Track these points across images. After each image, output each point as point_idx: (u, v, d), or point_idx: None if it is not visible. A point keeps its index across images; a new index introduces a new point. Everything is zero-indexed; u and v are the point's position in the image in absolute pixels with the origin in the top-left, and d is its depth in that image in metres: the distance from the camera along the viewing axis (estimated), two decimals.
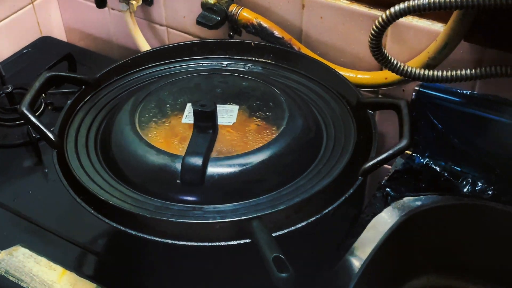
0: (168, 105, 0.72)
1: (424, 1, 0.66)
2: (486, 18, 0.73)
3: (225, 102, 0.73)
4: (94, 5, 1.05)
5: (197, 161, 0.62)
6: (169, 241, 0.58)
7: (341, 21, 0.85)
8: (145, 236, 0.59)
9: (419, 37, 0.80)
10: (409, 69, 0.74)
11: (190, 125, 0.68)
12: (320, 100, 0.77)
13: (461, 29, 0.72)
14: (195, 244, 0.58)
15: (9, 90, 0.92)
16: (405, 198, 0.80)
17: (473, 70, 0.73)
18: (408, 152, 0.86)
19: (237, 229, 0.59)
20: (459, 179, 0.82)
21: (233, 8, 0.87)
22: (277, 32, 0.85)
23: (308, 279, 0.67)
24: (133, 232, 0.59)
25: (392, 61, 0.73)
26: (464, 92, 0.81)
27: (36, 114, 0.71)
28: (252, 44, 0.84)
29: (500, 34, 0.73)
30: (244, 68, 0.83)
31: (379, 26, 0.70)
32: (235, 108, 0.72)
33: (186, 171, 0.62)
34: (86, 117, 0.74)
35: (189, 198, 0.62)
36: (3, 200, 0.82)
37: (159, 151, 0.65)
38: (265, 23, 0.86)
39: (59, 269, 0.72)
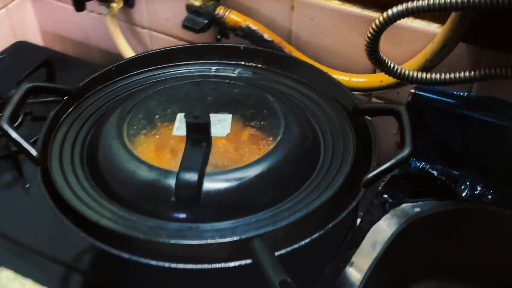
0: (157, 116, 0.69)
1: (423, 2, 0.64)
2: (485, 19, 0.70)
3: (217, 111, 0.69)
4: (71, 7, 1.00)
5: (192, 177, 0.59)
6: (166, 264, 0.55)
7: (332, 22, 0.82)
8: (140, 259, 0.55)
9: (415, 39, 0.77)
10: (407, 73, 0.71)
11: (182, 137, 0.65)
12: (315, 106, 0.74)
13: (460, 31, 0.70)
14: (193, 266, 0.55)
15: None
16: (403, 205, 0.78)
17: (472, 72, 0.71)
18: None
19: (237, 248, 0.56)
20: (457, 183, 0.80)
21: (220, 10, 0.84)
22: (267, 35, 0.82)
23: None
24: (127, 256, 0.55)
25: (389, 64, 0.71)
26: (461, 94, 0.79)
27: (15, 125, 0.66)
28: (241, 48, 0.81)
29: (499, 34, 0.71)
30: (234, 73, 0.80)
31: (376, 29, 0.67)
32: (228, 118, 0.68)
33: (181, 187, 0.59)
34: (70, 131, 0.70)
35: (184, 216, 0.59)
36: None
37: (150, 166, 0.61)
38: (254, 26, 0.83)
39: None
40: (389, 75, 0.72)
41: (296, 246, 0.56)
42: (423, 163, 0.83)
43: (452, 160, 0.81)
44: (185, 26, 0.83)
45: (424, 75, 0.71)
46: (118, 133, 0.66)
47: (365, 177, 0.62)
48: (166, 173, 0.60)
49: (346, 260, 0.70)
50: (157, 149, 0.65)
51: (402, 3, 0.76)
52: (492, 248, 0.77)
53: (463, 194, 0.79)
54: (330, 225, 0.58)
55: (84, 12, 1.01)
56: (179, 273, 0.57)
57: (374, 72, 0.84)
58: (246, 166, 0.61)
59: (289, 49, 0.82)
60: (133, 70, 0.79)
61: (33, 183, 0.82)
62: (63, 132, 0.70)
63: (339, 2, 0.80)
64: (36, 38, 1.13)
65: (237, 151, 0.64)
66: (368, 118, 0.70)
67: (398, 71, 0.71)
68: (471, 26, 0.70)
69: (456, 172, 0.81)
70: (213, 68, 0.81)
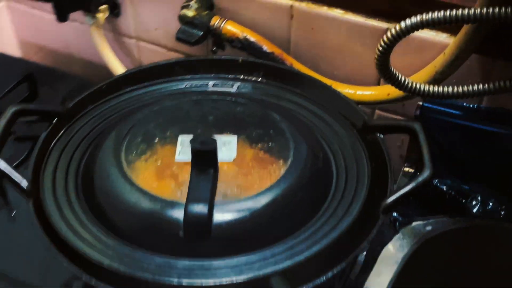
0: (156, 139, 0.64)
1: (439, 14, 0.60)
2: (498, 29, 0.67)
3: (220, 131, 0.65)
4: (52, 16, 0.94)
5: (202, 209, 0.54)
6: None
7: (334, 32, 0.78)
8: None
9: (422, 49, 0.74)
10: (418, 87, 0.68)
11: (186, 163, 0.60)
12: (322, 123, 0.70)
13: (474, 42, 0.67)
14: None
15: None
16: (414, 223, 0.74)
17: (486, 85, 0.68)
18: (410, 170, 0.81)
19: (254, 287, 0.52)
20: (468, 198, 0.77)
21: (215, 21, 0.79)
22: (266, 47, 0.78)
23: None
24: None
25: (399, 78, 0.67)
26: (471, 106, 0.76)
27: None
28: (240, 61, 0.76)
29: None
30: (233, 88, 0.75)
31: (387, 42, 0.63)
32: (233, 139, 0.64)
33: (190, 221, 0.54)
34: (62, 157, 0.65)
35: (194, 252, 0.54)
36: None
37: (154, 198, 0.56)
38: (252, 37, 0.78)
39: None
40: (399, 89, 0.68)
41: (317, 282, 0.52)
42: (436, 180, 0.80)
43: (461, 174, 0.78)
44: (179, 39, 0.78)
45: (436, 88, 0.68)
46: (116, 160, 0.61)
47: (384, 203, 0.58)
48: (173, 204, 0.56)
49: (360, 286, 0.67)
50: (160, 177, 0.60)
51: (406, 12, 0.74)
52: (508, 266, 0.74)
53: (474, 210, 0.76)
54: (351, 256, 0.55)
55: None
56: None
57: (378, 83, 0.80)
58: (259, 194, 0.57)
59: (290, 61, 0.78)
60: (126, 87, 0.74)
61: (20, 211, 0.76)
62: (54, 159, 0.64)
63: (342, 11, 0.77)
64: (13, 49, 1.07)
65: (246, 177, 0.60)
66: (380, 135, 0.66)
67: (409, 85, 0.68)
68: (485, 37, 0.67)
69: (466, 187, 0.78)
70: (211, 83, 0.76)
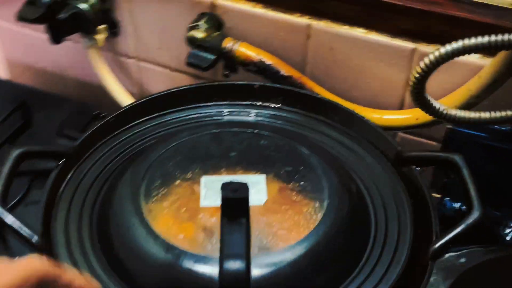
0: (177, 181, 0.58)
1: (483, 40, 0.56)
2: None
3: (246, 170, 0.60)
4: (43, 36, 0.88)
5: (239, 265, 0.49)
6: None
7: (356, 53, 0.73)
8: None
9: (453, 70, 0.69)
10: (456, 114, 0.63)
11: (213, 209, 0.55)
12: (352, 154, 0.65)
13: None
14: None
15: None
16: (447, 255, 0.69)
17: None
18: (437, 195, 0.76)
19: None
20: (500, 225, 0.73)
21: (228, 43, 0.73)
22: (284, 71, 0.72)
23: None
24: None
25: (435, 106, 0.63)
26: (502, 128, 0.71)
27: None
28: (256, 86, 0.71)
29: None
30: (250, 117, 0.70)
31: (425, 68, 0.58)
32: (261, 179, 0.59)
33: (227, 279, 0.48)
34: (73, 204, 0.59)
35: None
36: None
37: (184, 253, 0.51)
38: (268, 60, 0.73)
39: None
40: (434, 117, 0.64)
41: None
42: (459, 204, 0.76)
43: (492, 200, 0.74)
44: (190, 64, 0.72)
45: (473, 115, 0.64)
46: (135, 208, 0.55)
47: (432, 248, 0.54)
48: (205, 260, 0.51)
49: None
50: (186, 227, 0.54)
51: (436, 32, 0.69)
52: None
53: (507, 238, 0.72)
54: None
55: None
56: None
57: (402, 106, 0.76)
58: (297, 243, 0.52)
59: (310, 85, 0.73)
60: (134, 119, 0.68)
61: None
62: (65, 207, 0.58)
63: (364, 30, 0.71)
64: (0, 70, 1.00)
65: (280, 224, 0.54)
66: (417, 169, 0.62)
67: (445, 112, 0.63)
68: None
69: (498, 213, 0.74)
70: (225, 111, 0.71)
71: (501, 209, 0.73)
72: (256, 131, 0.65)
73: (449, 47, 0.57)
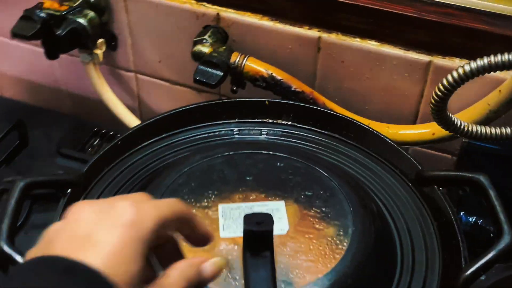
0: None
1: (510, 57, 0.54)
2: None
3: (264, 196, 0.57)
4: (36, 48, 0.85)
5: None
6: None
7: (368, 65, 0.71)
8: None
9: (471, 84, 0.66)
10: (476, 130, 0.61)
11: (233, 240, 0.52)
12: (371, 174, 0.62)
13: None
14: None
15: None
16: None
17: None
18: None
19: None
20: None
21: (236, 58, 0.70)
22: (295, 86, 0.70)
23: None
24: None
25: (456, 123, 0.60)
26: None
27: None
28: (266, 102, 0.68)
29: None
30: (262, 135, 0.67)
31: (448, 87, 0.56)
32: (281, 206, 0.56)
33: None
34: None
35: None
36: None
37: None
38: (278, 75, 0.70)
39: None
40: (455, 134, 0.62)
41: None
42: (474, 218, 0.74)
43: (509, 213, 0.72)
44: (198, 81, 0.69)
45: (494, 131, 0.62)
46: None
47: (463, 275, 0.51)
48: None
49: None
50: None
51: (453, 44, 0.67)
52: None
53: None
54: None
55: None
56: None
57: (415, 119, 0.74)
58: (325, 276, 0.50)
59: (322, 100, 0.70)
60: (142, 141, 0.65)
61: None
62: None
63: (377, 43, 0.69)
64: None
65: (305, 255, 0.52)
66: (440, 189, 0.59)
67: (466, 129, 0.61)
68: None
69: None
70: (235, 130, 0.68)
71: None
72: (271, 152, 0.62)
73: (473, 64, 0.55)
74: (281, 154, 0.62)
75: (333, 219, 0.55)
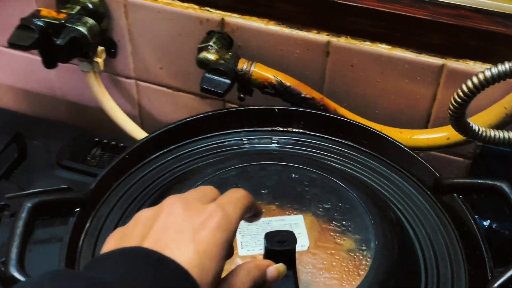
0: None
1: None
2: None
3: (281, 210, 0.55)
4: (30, 56, 0.82)
5: None
6: None
7: (379, 69, 0.69)
8: None
9: None
10: (495, 136, 0.59)
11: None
12: (389, 183, 0.61)
13: None
14: None
15: None
16: None
17: None
18: None
19: None
20: None
21: (243, 64, 0.68)
22: (305, 92, 0.68)
23: None
24: None
25: (473, 128, 0.59)
26: None
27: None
28: (276, 110, 0.67)
29: None
30: (272, 144, 0.66)
31: (468, 93, 0.55)
32: (299, 220, 0.54)
33: None
34: None
35: None
36: None
37: None
38: (287, 82, 0.68)
39: None
40: (473, 139, 0.60)
41: None
42: (488, 222, 0.72)
43: None
44: (205, 90, 0.67)
45: None
46: None
47: (491, 287, 0.50)
48: None
49: None
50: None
51: (467, 47, 0.66)
52: None
53: None
54: None
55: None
56: None
57: (427, 123, 0.72)
58: None
59: (333, 106, 0.68)
60: (150, 153, 0.63)
61: None
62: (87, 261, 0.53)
63: (388, 47, 0.67)
64: None
65: (328, 272, 0.50)
66: (459, 197, 0.58)
67: (484, 134, 0.59)
68: None
69: None
70: (245, 139, 0.66)
71: None
72: (285, 163, 0.60)
73: (494, 69, 0.53)
74: (295, 165, 0.60)
75: (354, 232, 0.53)
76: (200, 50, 0.70)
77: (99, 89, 0.77)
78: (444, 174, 0.59)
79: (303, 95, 0.68)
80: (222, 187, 0.57)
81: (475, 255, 0.54)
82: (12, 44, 0.70)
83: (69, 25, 0.71)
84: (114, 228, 0.56)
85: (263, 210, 0.55)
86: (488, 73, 0.54)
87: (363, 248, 0.52)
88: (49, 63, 0.75)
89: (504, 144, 0.61)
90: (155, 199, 0.58)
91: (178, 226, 0.38)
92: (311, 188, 0.57)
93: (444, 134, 0.67)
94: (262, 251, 0.47)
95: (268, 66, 0.70)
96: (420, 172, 0.61)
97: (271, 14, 0.70)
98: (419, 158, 0.61)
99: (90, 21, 0.72)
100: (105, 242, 0.40)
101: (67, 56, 0.71)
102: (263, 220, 0.54)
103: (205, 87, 0.67)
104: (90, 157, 0.81)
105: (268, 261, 0.44)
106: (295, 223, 0.54)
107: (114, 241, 0.39)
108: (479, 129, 0.59)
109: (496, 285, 0.50)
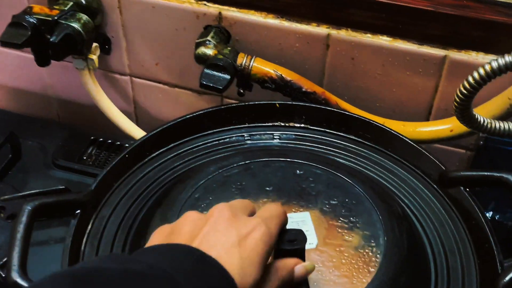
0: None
1: None
2: None
3: (287, 207, 0.54)
4: (22, 54, 0.80)
5: None
6: None
7: (380, 62, 0.68)
8: None
9: None
10: (501, 127, 0.59)
11: None
12: (394, 177, 0.60)
13: None
14: None
15: None
16: None
17: None
18: None
19: None
20: None
21: (242, 59, 0.67)
22: (306, 87, 0.67)
23: None
24: None
25: (479, 120, 0.58)
26: None
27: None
28: (277, 105, 0.65)
29: None
30: (274, 140, 0.64)
31: (474, 84, 0.54)
32: (306, 217, 0.53)
33: None
34: None
35: None
36: None
37: None
38: (288, 76, 0.67)
39: None
40: (477, 131, 0.59)
41: None
42: (491, 213, 0.72)
43: None
44: (204, 86, 0.65)
45: None
46: None
47: (501, 282, 0.49)
48: None
49: None
50: None
51: (469, 37, 0.65)
52: None
53: None
54: None
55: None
56: None
57: (428, 116, 0.71)
58: None
59: (334, 100, 0.67)
60: (150, 152, 0.62)
61: None
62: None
63: (389, 38, 0.66)
64: None
65: (338, 270, 0.49)
66: (466, 190, 0.57)
67: (489, 126, 0.59)
68: None
69: None
70: (246, 135, 0.65)
71: None
72: (289, 159, 0.59)
73: (501, 60, 0.52)
74: (299, 161, 0.59)
75: (362, 228, 0.52)
76: (198, 45, 0.68)
77: (93, 86, 0.75)
78: (447, 166, 0.59)
79: (304, 90, 0.66)
80: (226, 186, 0.56)
81: (484, 248, 0.53)
82: (4, 43, 0.68)
83: (62, 21, 0.69)
84: (117, 230, 0.55)
85: None
86: (495, 64, 0.53)
87: (372, 244, 0.51)
88: (42, 61, 0.73)
89: (509, 136, 0.60)
90: (158, 199, 0.57)
91: (226, 231, 0.41)
92: (316, 184, 0.56)
93: (448, 126, 0.66)
94: None
95: (267, 61, 0.69)
96: (425, 165, 0.60)
97: (270, 7, 0.69)
98: (424, 151, 0.61)
99: (84, 17, 0.70)
100: (151, 235, 0.42)
101: (61, 53, 0.70)
102: None
103: (204, 83, 0.65)
104: (86, 156, 0.79)
105: (295, 260, 0.44)
106: (302, 221, 0.53)
107: (163, 236, 0.41)
108: (484, 121, 0.59)
109: (507, 278, 0.50)
